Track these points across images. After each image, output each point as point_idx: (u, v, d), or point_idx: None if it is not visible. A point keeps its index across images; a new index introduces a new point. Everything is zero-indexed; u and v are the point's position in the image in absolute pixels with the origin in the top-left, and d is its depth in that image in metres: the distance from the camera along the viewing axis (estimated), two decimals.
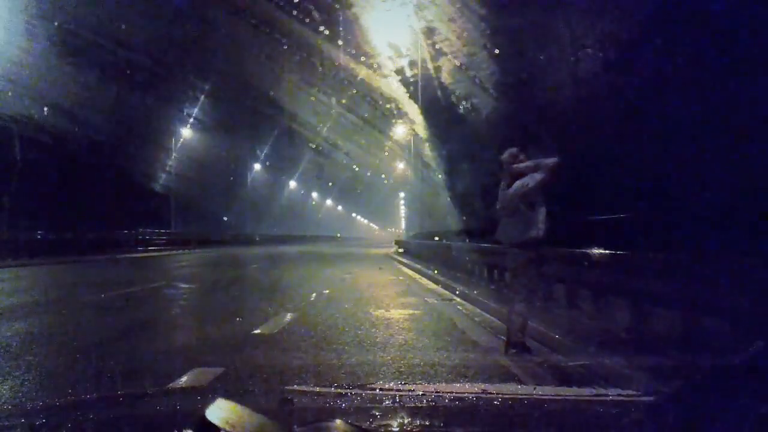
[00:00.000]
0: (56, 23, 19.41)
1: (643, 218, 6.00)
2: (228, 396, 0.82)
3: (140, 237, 28.08)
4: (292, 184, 68.38)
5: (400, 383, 3.57)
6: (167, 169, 34.17)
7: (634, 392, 1.58)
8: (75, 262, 17.67)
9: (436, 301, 8.42)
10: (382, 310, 7.16)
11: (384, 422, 1.29)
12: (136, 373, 4.06)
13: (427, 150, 22.10)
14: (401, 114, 23.63)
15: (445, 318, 6.77)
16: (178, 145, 35.50)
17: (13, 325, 5.97)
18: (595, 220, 6.81)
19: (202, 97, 33.53)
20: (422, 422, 1.33)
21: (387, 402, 1.48)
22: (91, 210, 24.98)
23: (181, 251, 26.35)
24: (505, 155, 4.57)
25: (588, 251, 5.70)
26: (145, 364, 4.37)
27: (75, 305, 7.92)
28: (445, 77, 14.27)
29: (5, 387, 3.63)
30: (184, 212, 35.91)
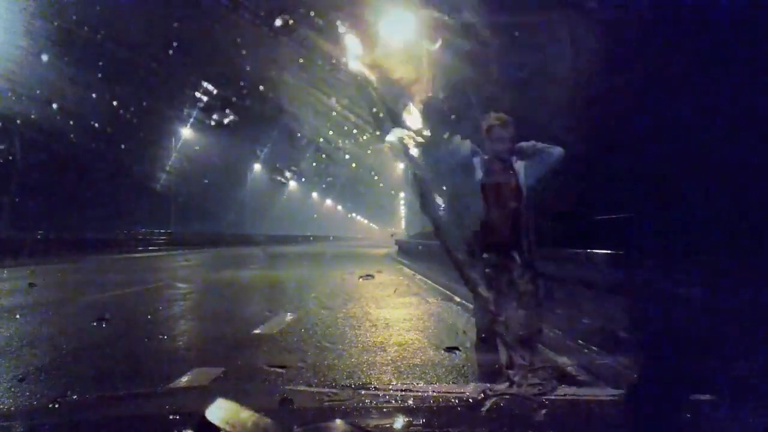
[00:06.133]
0: (56, 23, 19.41)
1: (643, 218, 6.00)
2: (228, 396, 0.82)
3: (140, 237, 28.09)
4: (292, 184, 68.38)
5: (400, 383, 3.58)
6: (167, 168, 34.17)
7: (634, 392, 1.58)
8: (75, 262, 17.68)
9: (436, 301, 8.42)
10: (382, 310, 7.17)
11: (384, 422, 1.29)
12: (136, 373, 4.07)
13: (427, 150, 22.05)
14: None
15: (445, 318, 6.78)
16: (179, 144, 35.51)
17: (13, 325, 5.97)
18: (596, 220, 6.80)
19: (202, 97, 33.52)
20: (422, 422, 1.33)
21: (387, 402, 1.48)
22: (91, 210, 24.99)
23: (180, 251, 26.34)
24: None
25: (588, 251, 5.70)
26: (145, 364, 4.37)
27: (74, 305, 7.92)
28: (445, 77, 14.26)
29: (5, 387, 3.63)
30: (184, 212, 35.94)
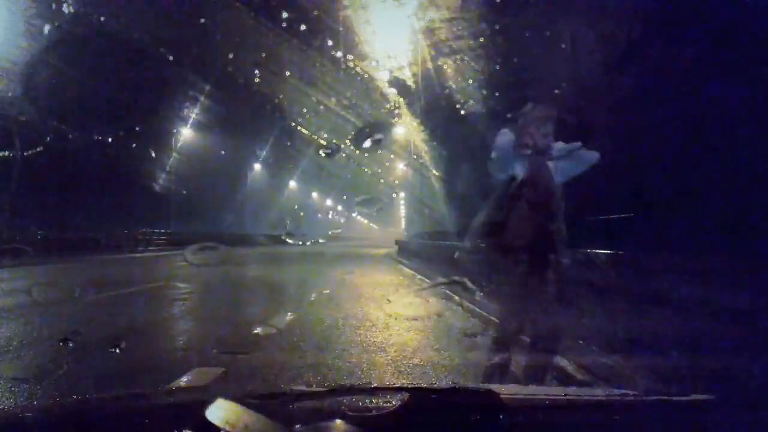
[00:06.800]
0: (56, 23, 19.40)
1: (643, 218, 6.00)
2: (228, 396, 0.82)
3: (140, 237, 28.05)
4: (292, 183, 68.35)
5: (400, 383, 3.57)
6: (167, 168, 34.17)
7: (634, 392, 1.58)
8: (74, 262, 17.66)
9: (436, 301, 8.41)
10: (382, 310, 7.16)
11: (384, 422, 1.29)
12: (136, 373, 4.06)
13: (426, 150, 22.09)
14: (401, 114, 23.62)
15: (445, 318, 6.78)
16: (179, 144, 35.50)
17: (13, 325, 5.97)
18: (596, 220, 6.81)
19: (202, 97, 33.53)
20: (422, 422, 1.33)
21: (387, 402, 1.48)
22: (92, 210, 24.97)
23: (180, 251, 26.30)
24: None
25: (589, 251, 5.69)
26: (146, 364, 4.36)
27: (74, 305, 7.91)
28: (445, 77, 14.27)
29: (5, 387, 3.63)
30: (183, 212, 35.92)
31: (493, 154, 3.43)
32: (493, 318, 6.49)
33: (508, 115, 3.65)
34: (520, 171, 3.36)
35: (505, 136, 3.42)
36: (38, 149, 21.44)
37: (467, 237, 3.57)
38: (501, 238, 3.38)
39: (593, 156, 3.44)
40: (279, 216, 58.25)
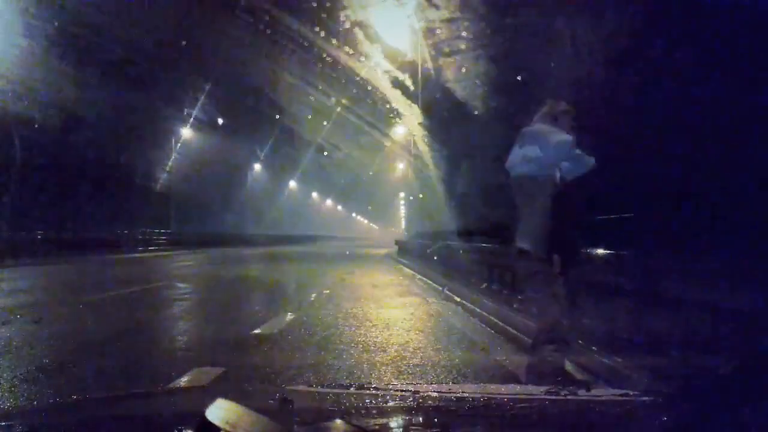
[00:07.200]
0: (56, 23, 19.41)
1: (644, 218, 6.00)
2: (228, 396, 0.82)
3: (140, 237, 28.07)
4: (292, 184, 68.38)
5: (400, 383, 3.58)
6: (167, 169, 34.18)
7: (634, 392, 1.58)
8: (74, 262, 17.66)
9: (436, 301, 8.42)
10: (382, 310, 7.16)
11: (384, 422, 1.29)
12: (136, 373, 4.07)
13: (427, 150, 22.09)
14: (401, 114, 23.62)
15: (445, 318, 6.78)
16: (178, 145, 35.51)
17: (13, 325, 5.97)
18: (597, 220, 6.80)
19: (202, 98, 33.54)
20: (422, 422, 1.33)
21: (387, 402, 1.48)
22: (92, 210, 24.98)
23: (180, 251, 26.32)
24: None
25: (590, 251, 5.69)
26: (145, 364, 4.37)
27: (74, 305, 7.91)
28: (445, 78, 14.28)
29: (5, 387, 3.63)
30: (184, 212, 35.94)
31: (534, 153, 3.34)
32: (492, 317, 6.50)
33: (540, 110, 3.57)
34: (555, 171, 3.29)
35: (556, 135, 3.33)
36: (38, 150, 21.43)
37: (528, 243, 3.38)
38: (545, 240, 3.29)
39: (590, 160, 3.40)
40: (277, 216, 58.39)
